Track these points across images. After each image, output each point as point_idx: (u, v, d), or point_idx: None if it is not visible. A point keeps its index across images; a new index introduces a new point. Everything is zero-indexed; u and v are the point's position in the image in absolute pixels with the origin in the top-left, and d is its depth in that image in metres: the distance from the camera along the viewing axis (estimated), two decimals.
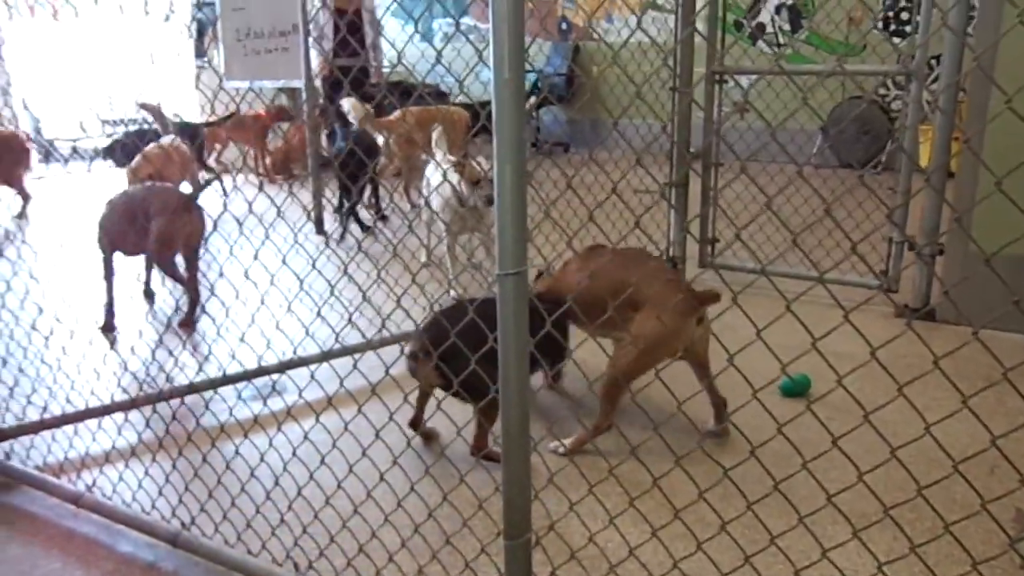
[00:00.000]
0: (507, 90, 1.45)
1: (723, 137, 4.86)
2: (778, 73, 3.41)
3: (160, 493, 2.39)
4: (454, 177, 4.23)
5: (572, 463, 1.73)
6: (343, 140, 6.57)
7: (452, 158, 4.51)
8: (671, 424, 2.99)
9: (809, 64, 7.94)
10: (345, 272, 1.85)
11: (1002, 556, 1.80)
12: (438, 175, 4.57)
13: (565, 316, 2.73)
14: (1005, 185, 1.24)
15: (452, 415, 2.29)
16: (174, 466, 2.38)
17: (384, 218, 6.33)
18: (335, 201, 5.90)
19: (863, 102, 7.81)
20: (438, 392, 2.47)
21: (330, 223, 5.90)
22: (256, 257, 2.14)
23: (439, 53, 1.66)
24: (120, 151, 6.56)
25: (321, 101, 7.79)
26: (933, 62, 6.52)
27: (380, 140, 5.36)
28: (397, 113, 6.31)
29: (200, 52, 8.05)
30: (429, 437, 2.73)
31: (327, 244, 5.47)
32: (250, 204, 1.92)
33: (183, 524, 2.29)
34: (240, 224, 2.02)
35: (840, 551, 2.08)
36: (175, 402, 2.76)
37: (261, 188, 2.03)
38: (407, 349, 2.50)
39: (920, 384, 3.04)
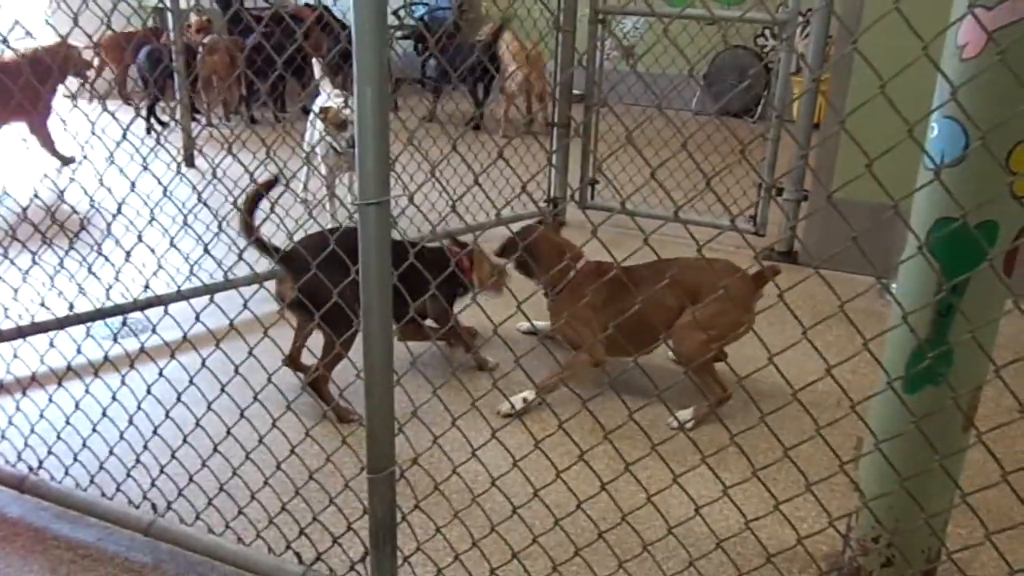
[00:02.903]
0: (366, 9, 1.39)
1: (605, 79, 4.88)
2: (653, 15, 3.43)
3: (3, 437, 2.24)
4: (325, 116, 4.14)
5: (436, 396, 1.72)
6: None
7: (328, 104, 4.34)
8: (531, 357, 3.03)
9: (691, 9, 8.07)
10: (200, 199, 1.75)
11: (837, 479, 1.93)
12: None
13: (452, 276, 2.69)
14: (866, 135, 1.28)
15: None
16: (18, 408, 2.23)
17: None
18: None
19: (737, 50, 8.03)
20: None
21: (199, 159, 5.60)
22: (102, 183, 2.00)
23: None
24: None
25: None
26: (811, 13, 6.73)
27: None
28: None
29: None
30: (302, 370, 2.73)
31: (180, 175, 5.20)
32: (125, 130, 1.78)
33: (30, 468, 2.17)
34: (111, 154, 1.87)
35: (692, 477, 2.18)
36: (16, 341, 2.58)
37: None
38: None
39: (780, 324, 3.21)
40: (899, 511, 1.76)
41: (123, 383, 2.05)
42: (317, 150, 4.50)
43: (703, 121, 7.14)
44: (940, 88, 1.58)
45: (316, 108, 4.48)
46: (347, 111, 4.03)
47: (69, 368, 2.15)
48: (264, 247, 2.36)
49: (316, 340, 2.66)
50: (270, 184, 2.31)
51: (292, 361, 2.76)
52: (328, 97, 4.42)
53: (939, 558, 1.86)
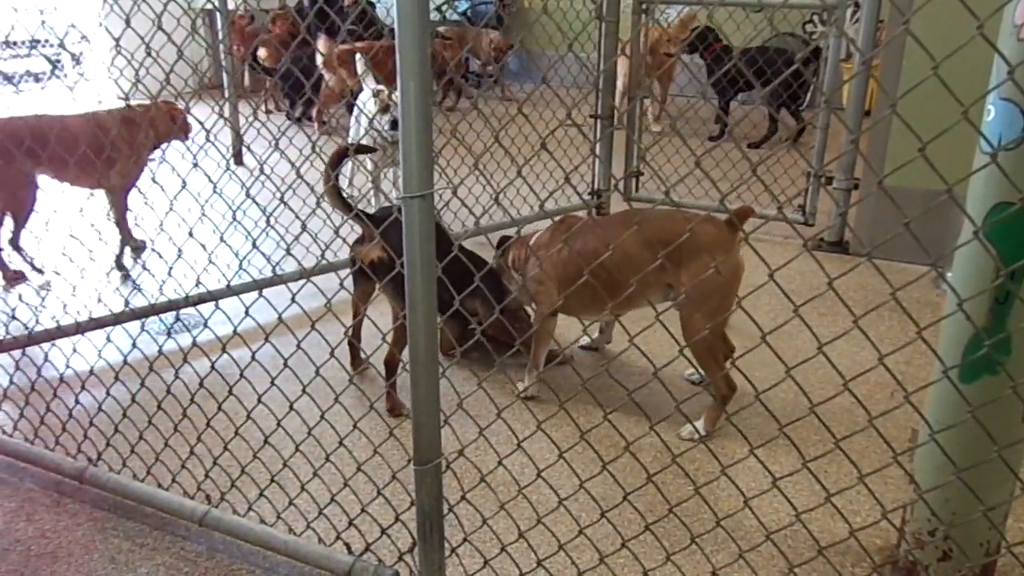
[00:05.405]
0: (409, 3, 1.39)
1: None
2: (699, 3, 3.38)
3: (64, 429, 2.31)
4: (373, 108, 4.18)
5: (482, 388, 1.72)
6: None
7: (379, 87, 4.39)
8: (576, 351, 3.02)
9: None
10: (248, 196, 1.79)
11: (891, 471, 1.89)
12: (366, 107, 4.47)
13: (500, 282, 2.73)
14: (918, 119, 1.24)
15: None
16: (77, 401, 2.30)
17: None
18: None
19: (785, 37, 7.87)
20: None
21: (248, 155, 5.70)
22: (154, 180, 2.05)
23: None
24: None
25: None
26: None
27: None
28: None
29: None
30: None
31: (227, 173, 5.28)
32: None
33: (89, 460, 2.23)
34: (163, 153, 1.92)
35: (741, 469, 2.16)
36: (75, 336, 2.66)
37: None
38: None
39: (831, 315, 3.15)
40: (956, 503, 1.71)
41: (177, 377, 2.10)
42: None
43: (749, 109, 7.05)
44: (997, 68, 1.53)
45: (360, 103, 4.52)
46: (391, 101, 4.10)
47: (125, 362, 2.21)
48: (360, 217, 2.41)
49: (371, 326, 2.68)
50: (363, 148, 2.37)
51: (353, 334, 2.80)
52: (372, 93, 4.47)
53: (999, 551, 1.80)
